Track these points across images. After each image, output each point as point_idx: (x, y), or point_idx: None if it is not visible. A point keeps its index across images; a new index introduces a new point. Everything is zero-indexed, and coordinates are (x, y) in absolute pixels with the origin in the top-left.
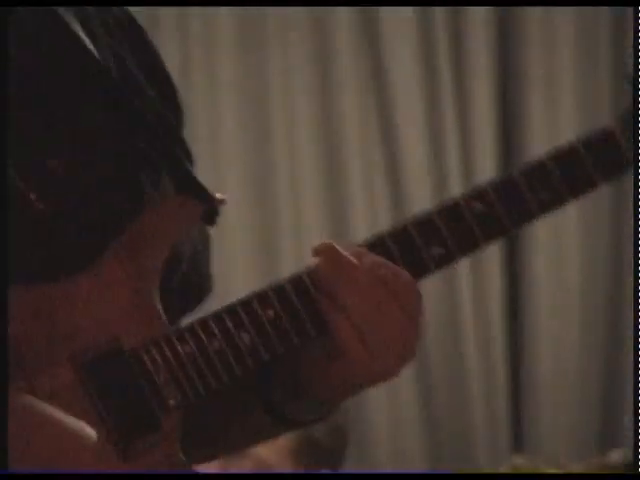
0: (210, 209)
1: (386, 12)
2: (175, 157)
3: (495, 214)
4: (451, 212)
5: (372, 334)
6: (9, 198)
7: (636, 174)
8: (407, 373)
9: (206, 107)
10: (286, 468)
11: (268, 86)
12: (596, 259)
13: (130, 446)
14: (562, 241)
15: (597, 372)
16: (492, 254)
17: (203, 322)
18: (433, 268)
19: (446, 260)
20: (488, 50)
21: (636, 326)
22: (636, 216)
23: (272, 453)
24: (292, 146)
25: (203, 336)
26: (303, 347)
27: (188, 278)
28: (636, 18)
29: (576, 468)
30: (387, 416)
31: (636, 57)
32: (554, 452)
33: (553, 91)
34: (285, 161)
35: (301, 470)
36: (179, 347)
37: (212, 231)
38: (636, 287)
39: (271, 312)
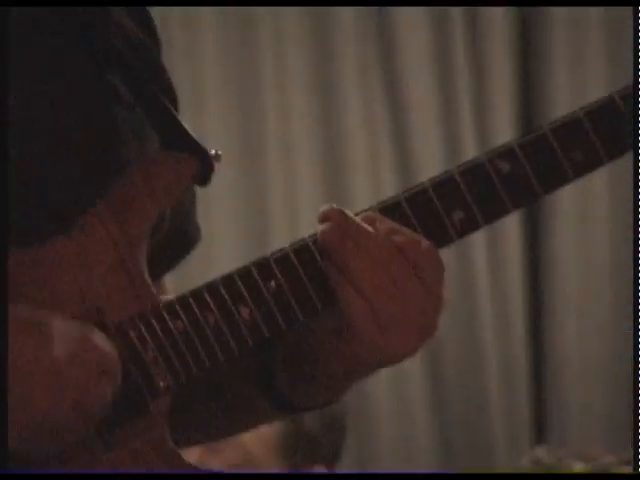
0: (204, 168)
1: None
2: (159, 103)
3: (523, 175)
4: (475, 172)
5: (386, 309)
6: None
7: (636, 174)
8: (417, 357)
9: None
10: (273, 461)
11: (260, 78)
12: (627, 235)
13: (115, 432)
14: (589, 214)
15: (628, 355)
16: (512, 229)
17: (197, 294)
18: (454, 235)
19: (469, 226)
20: (507, 39)
21: (636, 326)
22: (636, 216)
23: (259, 444)
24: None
25: (197, 310)
26: (308, 323)
27: (172, 234)
28: (636, 18)
29: (608, 460)
30: (393, 407)
31: (636, 57)
32: (582, 443)
33: (579, 76)
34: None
35: (289, 466)
36: (170, 322)
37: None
38: (636, 287)
39: (273, 283)
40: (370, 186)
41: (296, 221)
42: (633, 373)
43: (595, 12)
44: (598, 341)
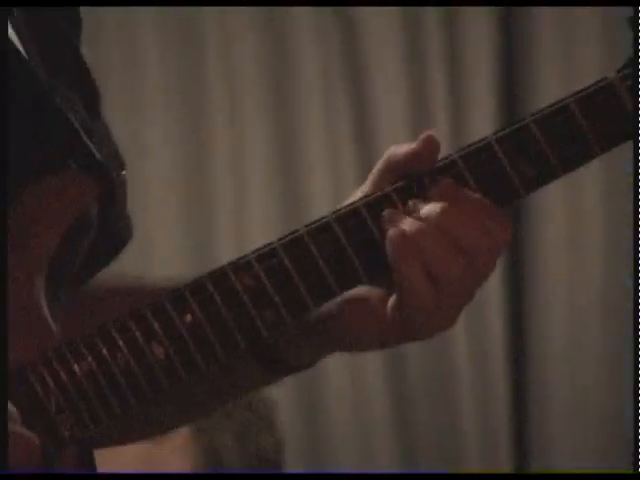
0: (109, 188)
1: None
2: (62, 116)
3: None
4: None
5: (451, 285)
6: None
7: (636, 174)
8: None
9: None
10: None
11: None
12: (621, 253)
13: None
14: (581, 228)
15: (621, 385)
16: None
17: (103, 331)
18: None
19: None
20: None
21: (636, 326)
22: (636, 216)
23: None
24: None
25: (104, 349)
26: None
27: (101, 235)
28: (636, 18)
29: None
30: (352, 400)
31: (636, 57)
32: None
33: (567, 73)
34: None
35: None
36: (74, 364)
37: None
38: (636, 287)
39: (189, 317)
40: (330, 191)
41: (245, 231)
42: (633, 374)
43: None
44: (588, 370)
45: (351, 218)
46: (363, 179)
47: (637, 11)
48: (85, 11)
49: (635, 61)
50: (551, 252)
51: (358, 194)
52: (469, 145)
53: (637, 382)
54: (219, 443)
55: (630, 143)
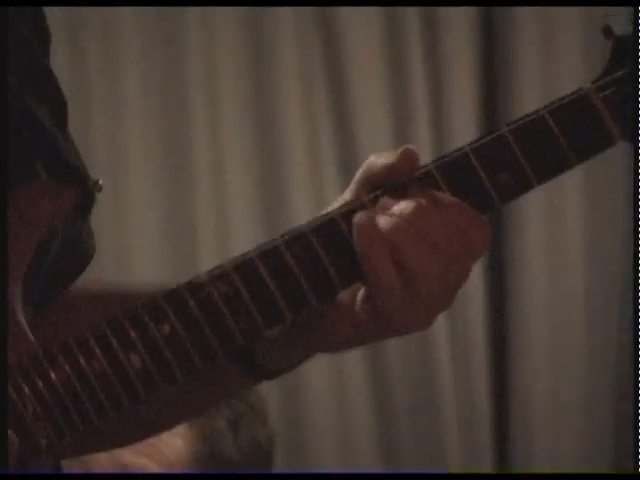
0: (84, 199)
1: None
2: (39, 124)
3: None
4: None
5: (427, 289)
6: None
7: (636, 174)
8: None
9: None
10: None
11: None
12: (605, 260)
13: None
14: (562, 230)
15: (604, 386)
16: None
17: (80, 339)
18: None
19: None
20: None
21: (636, 326)
22: (636, 215)
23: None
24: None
25: (80, 357)
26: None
27: (63, 255)
28: (636, 18)
29: None
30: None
31: (636, 57)
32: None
33: (550, 75)
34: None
35: None
36: (51, 371)
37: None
38: (636, 287)
39: (166, 327)
40: (312, 199)
41: (226, 237)
42: (633, 374)
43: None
44: (571, 383)
45: (326, 227)
46: (345, 184)
47: (637, 11)
48: (66, 24)
49: (635, 61)
50: (532, 254)
51: (335, 205)
52: (445, 155)
53: (637, 382)
54: (214, 429)
55: (614, 148)
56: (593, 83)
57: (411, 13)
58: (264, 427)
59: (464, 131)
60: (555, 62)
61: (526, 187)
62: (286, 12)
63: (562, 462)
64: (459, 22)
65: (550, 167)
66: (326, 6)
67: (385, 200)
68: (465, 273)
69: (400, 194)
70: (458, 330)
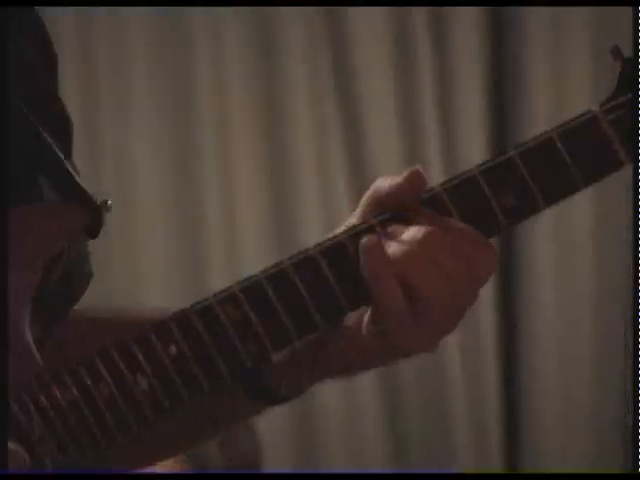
0: (93, 220)
1: None
2: (47, 147)
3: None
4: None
5: (428, 300)
6: None
7: (636, 174)
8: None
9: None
10: None
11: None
12: (614, 259)
13: None
14: (572, 234)
15: (614, 388)
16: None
17: (88, 361)
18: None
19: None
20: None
21: (636, 326)
22: (636, 216)
23: None
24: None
25: (88, 379)
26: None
27: (68, 276)
28: (636, 18)
29: None
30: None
31: (636, 57)
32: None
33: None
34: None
35: None
36: (58, 393)
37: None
38: (636, 288)
39: (173, 349)
40: (320, 200)
41: (236, 247)
42: (633, 374)
43: (579, 11)
44: (581, 381)
45: (334, 250)
46: (354, 195)
47: (637, 11)
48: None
49: (635, 64)
50: (541, 257)
51: (342, 228)
52: (453, 178)
53: (637, 382)
54: (203, 449)
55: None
56: (601, 106)
57: (419, 14)
58: (252, 440)
59: (472, 132)
60: (564, 66)
61: (534, 210)
62: (296, 23)
63: (571, 462)
64: (467, 23)
65: (558, 190)
66: (334, 6)
67: (394, 227)
68: (472, 297)
69: (408, 217)
70: (468, 331)
